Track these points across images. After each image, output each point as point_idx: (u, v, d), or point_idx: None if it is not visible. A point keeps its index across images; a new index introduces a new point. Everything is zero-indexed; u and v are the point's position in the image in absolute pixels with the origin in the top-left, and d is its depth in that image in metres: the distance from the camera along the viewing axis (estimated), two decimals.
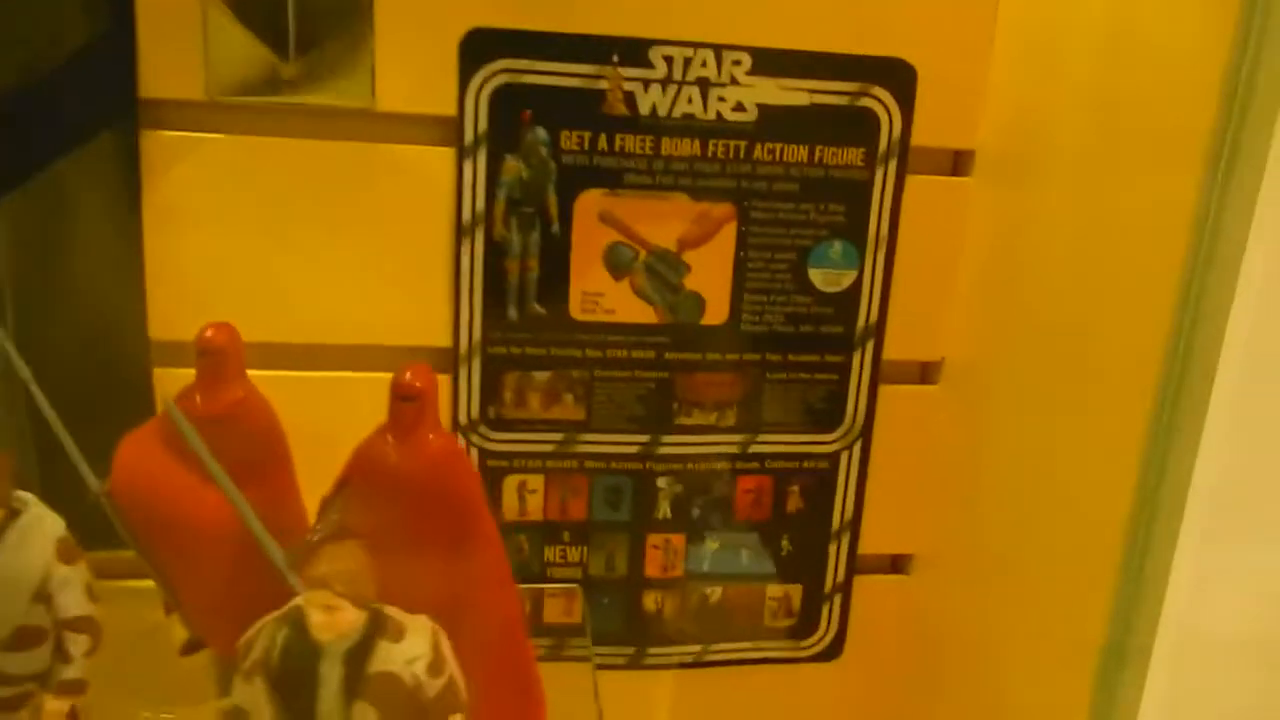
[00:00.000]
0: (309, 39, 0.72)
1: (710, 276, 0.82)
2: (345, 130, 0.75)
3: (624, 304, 0.81)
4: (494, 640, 0.62)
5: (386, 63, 0.74)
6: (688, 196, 0.80)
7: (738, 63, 0.78)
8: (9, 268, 0.72)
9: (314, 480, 0.64)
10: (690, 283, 0.82)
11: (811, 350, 0.85)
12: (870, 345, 0.86)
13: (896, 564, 0.95)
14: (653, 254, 0.81)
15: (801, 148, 0.80)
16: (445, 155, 0.76)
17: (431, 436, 0.60)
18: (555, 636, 0.88)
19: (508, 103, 0.76)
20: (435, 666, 0.48)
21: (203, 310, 0.71)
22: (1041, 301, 0.75)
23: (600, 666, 0.89)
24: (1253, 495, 0.59)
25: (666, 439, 0.85)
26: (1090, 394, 0.69)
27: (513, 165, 0.77)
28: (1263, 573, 0.60)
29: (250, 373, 0.73)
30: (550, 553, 0.87)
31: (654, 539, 0.88)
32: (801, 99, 0.79)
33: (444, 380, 0.81)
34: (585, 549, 0.87)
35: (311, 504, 0.65)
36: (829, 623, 0.93)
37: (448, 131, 0.76)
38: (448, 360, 0.81)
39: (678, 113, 0.78)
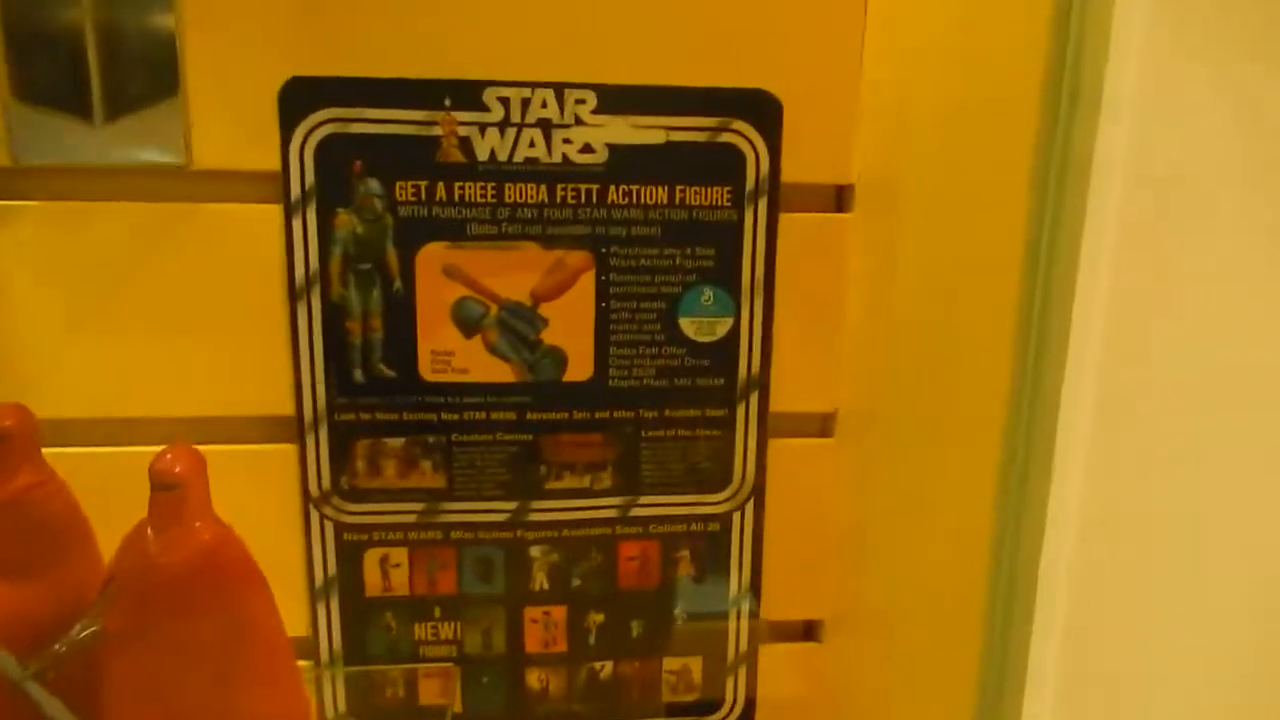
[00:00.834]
0: (117, 98, 0.68)
1: (570, 330, 0.77)
2: (162, 191, 0.71)
3: (478, 362, 0.76)
4: None
5: (202, 117, 0.70)
6: (539, 245, 0.75)
7: (581, 101, 0.73)
8: None
9: None
10: (549, 337, 0.76)
11: (690, 405, 0.79)
12: (755, 397, 0.80)
13: (810, 630, 0.88)
14: (505, 308, 0.75)
15: (660, 188, 0.75)
16: (272, 213, 0.72)
17: (198, 525, 0.54)
18: (433, 719, 0.82)
19: (336, 154, 0.72)
20: None
21: (18, 387, 0.67)
22: (914, 342, 0.69)
23: None
24: (1113, 530, 0.53)
25: (537, 505, 0.79)
26: (952, 439, 0.62)
27: (346, 219, 0.73)
28: (1131, 604, 0.54)
29: (72, 450, 0.69)
30: (421, 630, 0.81)
31: (532, 612, 0.82)
32: (656, 137, 0.74)
33: (290, 451, 0.76)
34: (459, 625, 0.81)
35: None
36: (735, 696, 0.86)
37: (272, 187, 0.71)
38: (292, 429, 0.76)
39: (519, 157, 0.73)
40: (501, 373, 0.76)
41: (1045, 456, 0.52)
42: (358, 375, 0.75)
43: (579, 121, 0.73)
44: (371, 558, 0.79)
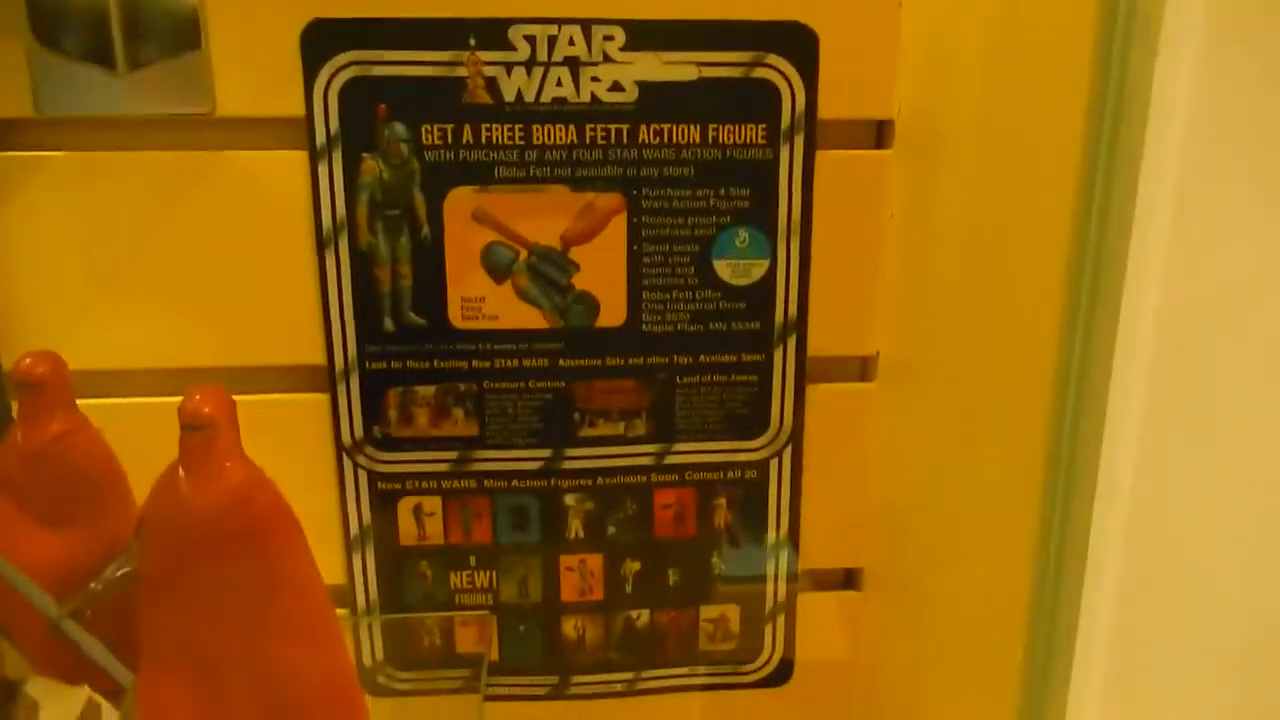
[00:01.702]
0: (139, 47, 0.67)
1: (601, 274, 0.75)
2: (186, 140, 0.70)
3: (508, 309, 0.75)
4: (313, 701, 0.56)
5: (224, 63, 0.68)
6: (568, 188, 0.73)
7: (610, 38, 0.70)
8: None
9: None
10: (580, 282, 0.75)
11: (725, 350, 0.78)
12: (792, 341, 0.78)
13: (849, 579, 0.87)
14: (535, 253, 0.74)
15: (693, 127, 0.73)
16: (297, 159, 0.71)
17: (228, 466, 0.54)
18: (468, 667, 0.82)
19: (360, 98, 0.70)
20: None
21: (46, 340, 0.67)
22: (959, 284, 0.67)
23: (518, 698, 0.83)
24: (1169, 481, 0.50)
25: (571, 453, 0.78)
26: (999, 385, 0.60)
27: (372, 165, 0.71)
28: (1187, 565, 0.51)
29: (103, 402, 0.69)
30: (456, 579, 0.81)
31: (567, 560, 0.81)
32: (688, 73, 0.72)
33: (322, 400, 0.76)
34: (494, 574, 0.81)
35: None
36: (774, 646, 0.85)
37: (297, 133, 0.70)
38: (324, 379, 0.75)
39: (547, 97, 0.71)
40: (532, 319, 0.75)
41: (1098, 406, 0.49)
42: (387, 323, 0.74)
43: (607, 59, 0.71)
44: (405, 507, 0.79)
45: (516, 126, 0.71)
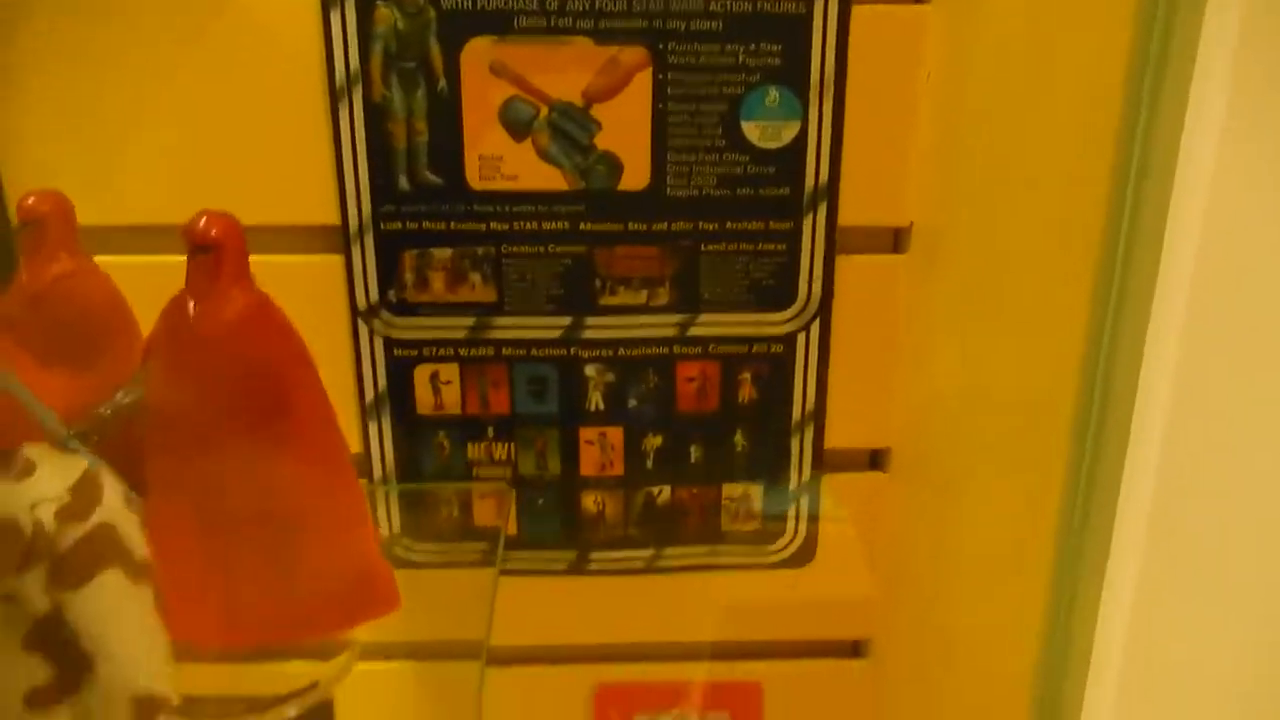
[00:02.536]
0: None
1: (625, 134, 0.72)
2: None
3: (528, 168, 0.72)
4: (320, 526, 0.54)
5: None
6: (591, 41, 0.70)
7: None
8: None
9: None
10: (602, 142, 0.72)
11: (753, 216, 0.75)
12: (822, 209, 0.75)
13: (876, 460, 0.85)
14: (555, 110, 0.71)
15: None
16: (309, 6, 0.68)
17: (235, 291, 0.52)
18: (485, 540, 0.81)
19: None
20: (73, 511, 0.40)
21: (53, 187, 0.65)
22: (997, 149, 0.63)
23: (537, 573, 0.83)
24: (1215, 358, 0.47)
25: (591, 321, 0.76)
26: (1039, 253, 0.57)
27: (386, 13, 0.68)
28: (1231, 446, 0.49)
29: (110, 258, 0.67)
30: (474, 450, 0.79)
31: (587, 433, 0.80)
32: None
33: (336, 261, 0.74)
34: (512, 445, 0.80)
35: None
36: (797, 527, 0.84)
37: None
38: (338, 239, 0.73)
39: None
40: (553, 179, 0.72)
41: (1145, 284, 0.46)
42: (403, 182, 0.72)
43: None
44: (422, 374, 0.77)
45: None
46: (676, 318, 0.77)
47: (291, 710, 0.51)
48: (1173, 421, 0.47)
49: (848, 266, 0.77)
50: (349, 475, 0.57)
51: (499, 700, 0.79)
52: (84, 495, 0.39)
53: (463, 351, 0.77)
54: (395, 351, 0.76)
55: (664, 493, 0.82)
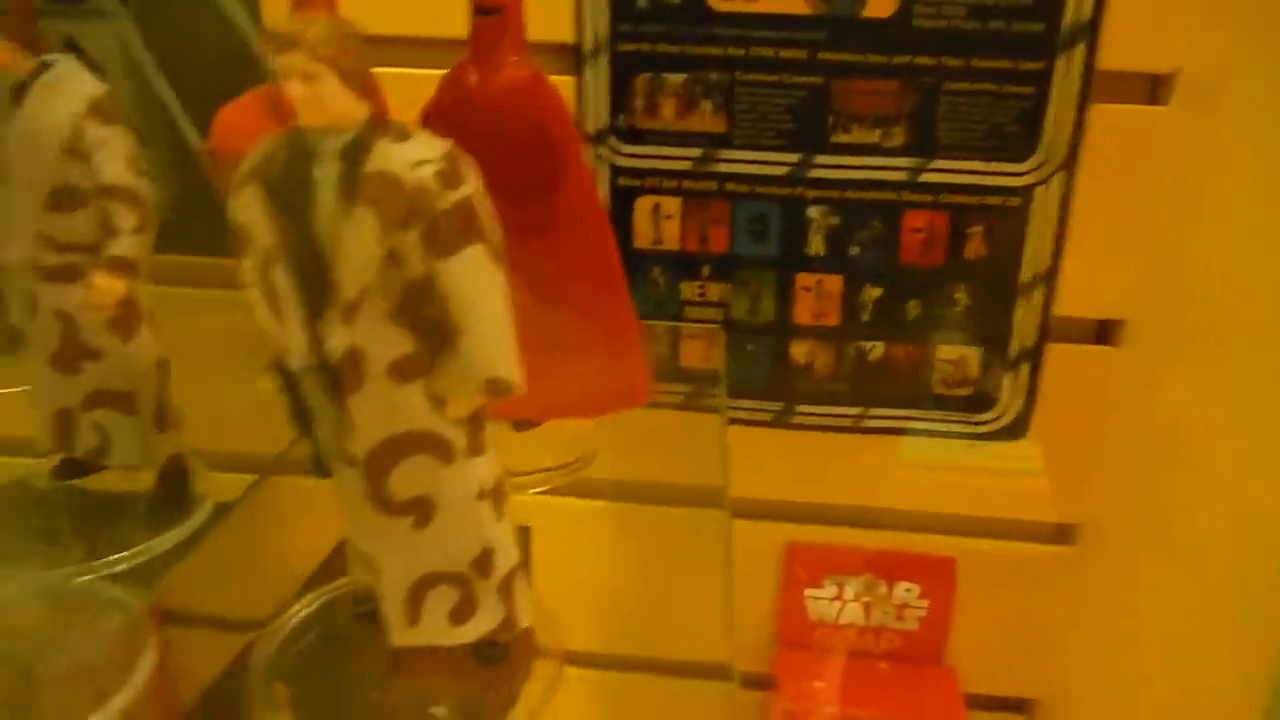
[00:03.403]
0: None
1: None
2: None
3: None
4: (585, 285, 0.55)
5: None
6: None
7: None
8: None
9: None
10: None
11: (1002, 54, 0.71)
12: (1079, 50, 0.70)
13: (1105, 332, 0.80)
14: None
15: None
16: None
17: (514, 59, 0.53)
18: (692, 383, 0.81)
19: None
20: (449, 177, 0.39)
21: None
22: None
23: (740, 422, 0.82)
24: None
25: (820, 159, 0.74)
26: None
27: None
28: None
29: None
30: (688, 289, 0.79)
31: (805, 279, 0.78)
32: None
33: (568, 83, 0.74)
34: (727, 287, 0.79)
35: None
36: (1012, 396, 0.80)
37: None
38: (570, 59, 0.73)
39: None
40: (796, 3, 0.70)
41: None
42: (642, 0, 0.71)
43: None
44: (643, 206, 0.77)
45: None
46: (908, 161, 0.74)
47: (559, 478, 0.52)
48: None
49: (1100, 116, 0.72)
50: (613, 259, 0.57)
51: (682, 544, 0.79)
52: (454, 165, 0.40)
53: (686, 184, 0.76)
54: (619, 181, 0.76)
55: (876, 349, 0.80)
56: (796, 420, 0.82)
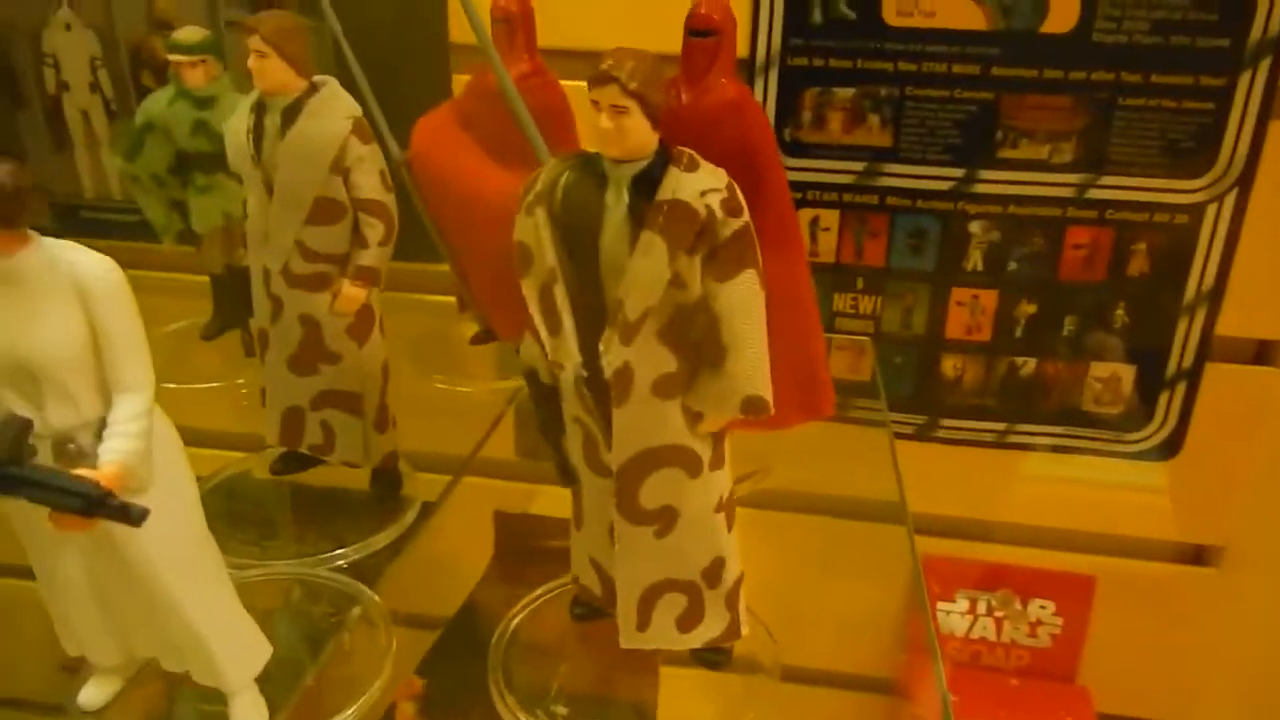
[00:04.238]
0: None
1: None
2: None
3: (948, 5, 0.69)
4: (780, 300, 0.55)
5: None
6: None
7: None
8: None
9: None
10: None
11: (1183, 69, 0.69)
12: (1265, 64, 0.69)
13: (1263, 353, 0.78)
14: None
15: None
16: None
17: (724, 81, 0.54)
18: (841, 394, 0.80)
19: None
20: (731, 206, 0.40)
21: None
22: None
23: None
24: None
25: (985, 174, 0.73)
26: None
27: None
28: None
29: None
30: (840, 301, 0.79)
31: (959, 294, 0.77)
32: None
33: None
34: (879, 300, 0.78)
35: None
36: (1167, 415, 0.79)
37: None
38: (743, 72, 0.72)
39: None
40: (972, 18, 0.69)
41: None
42: (816, 15, 0.70)
43: None
44: (803, 218, 0.76)
45: None
46: (1076, 178, 0.73)
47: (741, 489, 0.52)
48: None
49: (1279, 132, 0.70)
50: (806, 276, 0.56)
51: (815, 549, 0.78)
52: (735, 194, 0.40)
53: (846, 197, 0.75)
54: None
55: (1028, 365, 0.79)
56: (940, 434, 0.82)
